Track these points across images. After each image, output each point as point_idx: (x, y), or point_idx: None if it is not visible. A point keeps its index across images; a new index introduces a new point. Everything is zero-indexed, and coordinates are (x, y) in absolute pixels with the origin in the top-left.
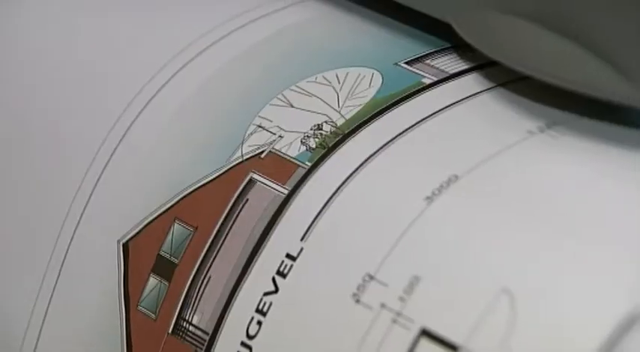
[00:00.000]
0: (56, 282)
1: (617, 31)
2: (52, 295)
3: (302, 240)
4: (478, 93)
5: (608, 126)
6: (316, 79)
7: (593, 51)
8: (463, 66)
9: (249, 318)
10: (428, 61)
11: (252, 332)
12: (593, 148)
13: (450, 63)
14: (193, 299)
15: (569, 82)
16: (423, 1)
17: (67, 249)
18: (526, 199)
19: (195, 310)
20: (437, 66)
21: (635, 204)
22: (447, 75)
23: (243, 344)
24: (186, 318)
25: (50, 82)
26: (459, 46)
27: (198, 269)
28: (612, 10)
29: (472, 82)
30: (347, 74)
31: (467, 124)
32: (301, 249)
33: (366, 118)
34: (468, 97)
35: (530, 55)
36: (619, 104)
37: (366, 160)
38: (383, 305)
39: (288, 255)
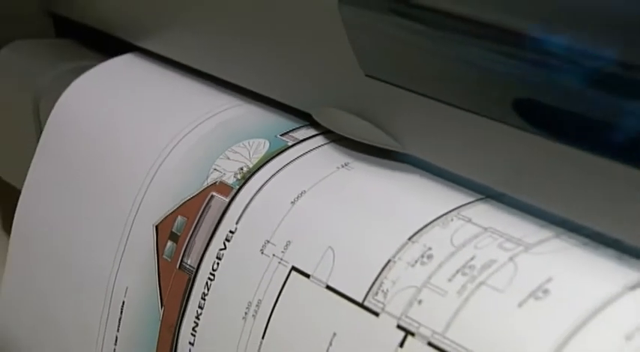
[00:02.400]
0: (125, 244)
1: (390, 118)
2: (123, 251)
3: (236, 223)
4: (317, 147)
5: (386, 161)
6: (238, 145)
7: (376, 124)
8: (313, 133)
9: (213, 261)
10: (291, 134)
11: (214, 269)
12: (375, 171)
13: (303, 132)
14: (187, 252)
15: (365, 139)
16: (293, 101)
17: (130, 229)
18: (346, 197)
19: (189, 256)
20: (295, 136)
21: (398, 199)
22: (299, 140)
23: (210, 274)
24: (185, 260)
25: (116, 133)
26: (310, 123)
27: (189, 238)
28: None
29: (315, 142)
30: (252, 142)
31: (309, 163)
32: (236, 228)
33: (261, 164)
34: (310, 150)
35: (347, 126)
36: (389, 149)
37: (263, 184)
38: (274, 256)
39: (230, 231)
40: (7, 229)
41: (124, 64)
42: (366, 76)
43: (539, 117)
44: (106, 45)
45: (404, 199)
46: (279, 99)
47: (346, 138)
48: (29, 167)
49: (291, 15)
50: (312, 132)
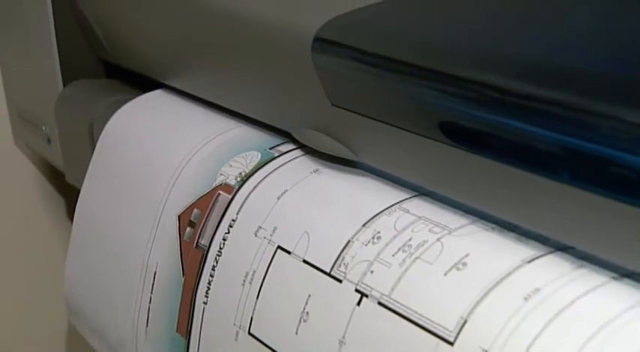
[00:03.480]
0: (156, 229)
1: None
2: (155, 235)
3: (237, 213)
4: (297, 157)
5: (347, 168)
6: (238, 156)
7: (338, 140)
8: (292, 147)
9: (220, 242)
10: (277, 148)
11: (221, 247)
12: (338, 175)
13: (285, 147)
14: (201, 235)
15: (331, 151)
16: (278, 123)
17: (160, 219)
18: (317, 194)
19: (202, 238)
20: (279, 149)
21: (355, 196)
22: (282, 152)
23: (218, 251)
24: (200, 241)
25: (149, 148)
26: (291, 139)
27: (203, 225)
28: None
29: (295, 154)
30: (248, 154)
31: (290, 169)
32: (236, 217)
33: (255, 170)
34: (291, 160)
35: (318, 142)
36: (349, 158)
37: (257, 185)
38: (264, 238)
39: (232, 220)
40: (70, 217)
41: (154, 97)
42: (333, 105)
43: (456, 134)
44: (142, 83)
45: (359, 195)
46: (268, 122)
47: (317, 151)
48: (86, 173)
49: (277, 61)
50: (292, 146)
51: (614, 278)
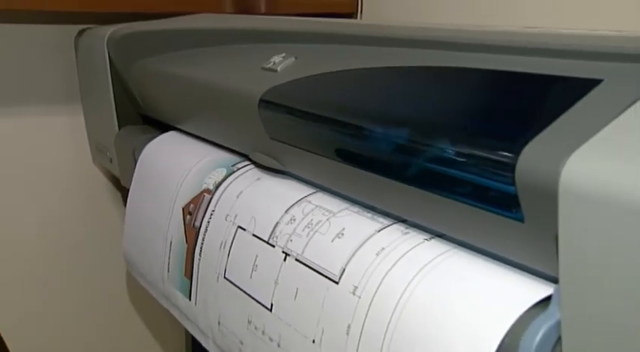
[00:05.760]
0: (171, 216)
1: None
2: (170, 219)
3: (214, 207)
4: (248, 170)
5: (278, 175)
6: (214, 172)
7: (274, 158)
8: (247, 163)
9: (206, 224)
10: (236, 165)
11: (206, 228)
12: (273, 180)
13: (242, 164)
14: (195, 220)
15: (269, 165)
16: (240, 148)
17: (173, 210)
18: (260, 193)
19: (196, 221)
20: (238, 166)
21: (281, 192)
22: (240, 168)
23: (205, 229)
24: (195, 224)
25: (166, 167)
26: (246, 159)
27: (196, 214)
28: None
29: (247, 168)
30: (220, 170)
31: (243, 178)
32: (214, 209)
33: (223, 179)
34: (244, 172)
35: (262, 160)
36: (280, 169)
37: (225, 189)
38: (231, 221)
39: (212, 210)
40: (125, 206)
41: (170, 135)
42: (271, 139)
43: (344, 155)
44: (162, 127)
45: (284, 193)
46: (234, 148)
47: (261, 165)
48: (132, 180)
49: (239, 114)
50: (246, 163)
51: (427, 239)
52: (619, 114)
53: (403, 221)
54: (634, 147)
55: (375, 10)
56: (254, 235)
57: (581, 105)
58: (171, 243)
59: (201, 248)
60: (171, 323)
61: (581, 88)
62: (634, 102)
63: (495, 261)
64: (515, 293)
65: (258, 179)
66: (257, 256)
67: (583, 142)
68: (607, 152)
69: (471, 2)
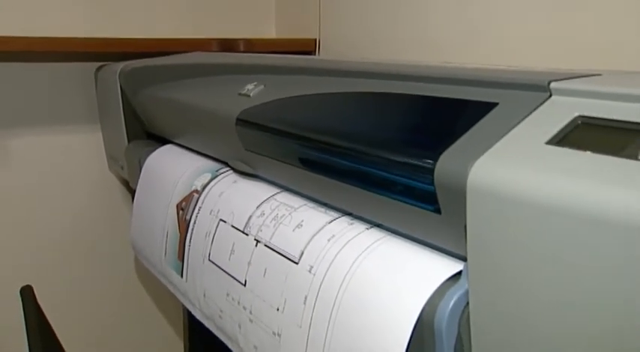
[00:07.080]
0: (167, 212)
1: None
2: (167, 214)
3: (201, 204)
4: (228, 175)
5: (251, 178)
6: (202, 176)
7: (248, 165)
8: (227, 169)
9: (195, 217)
10: (219, 171)
11: (194, 221)
12: (247, 182)
13: (224, 170)
14: (186, 214)
15: (244, 170)
16: (222, 157)
17: (169, 207)
18: (238, 193)
19: (188, 215)
20: (221, 171)
21: (253, 191)
22: (222, 173)
23: (193, 222)
24: (186, 217)
25: (164, 172)
26: (227, 165)
27: (187, 209)
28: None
29: (228, 173)
30: (206, 175)
31: (224, 181)
32: (201, 206)
33: (209, 182)
34: (225, 176)
35: (239, 167)
36: (252, 173)
37: (210, 189)
38: (215, 216)
39: (199, 207)
40: (132, 203)
41: (168, 147)
42: (245, 150)
43: (306, 163)
44: (162, 141)
45: (256, 192)
46: (217, 157)
47: (238, 171)
48: (138, 183)
49: (221, 130)
50: (226, 169)
51: (368, 228)
52: (510, 129)
53: (349, 214)
54: (521, 154)
55: (330, 49)
56: (232, 226)
57: (483, 122)
58: (167, 232)
59: (190, 236)
60: (172, 300)
61: (483, 109)
62: (521, 120)
63: (419, 245)
64: (434, 268)
65: (235, 182)
66: (234, 243)
67: (484, 151)
68: (502, 159)
69: (403, 45)
